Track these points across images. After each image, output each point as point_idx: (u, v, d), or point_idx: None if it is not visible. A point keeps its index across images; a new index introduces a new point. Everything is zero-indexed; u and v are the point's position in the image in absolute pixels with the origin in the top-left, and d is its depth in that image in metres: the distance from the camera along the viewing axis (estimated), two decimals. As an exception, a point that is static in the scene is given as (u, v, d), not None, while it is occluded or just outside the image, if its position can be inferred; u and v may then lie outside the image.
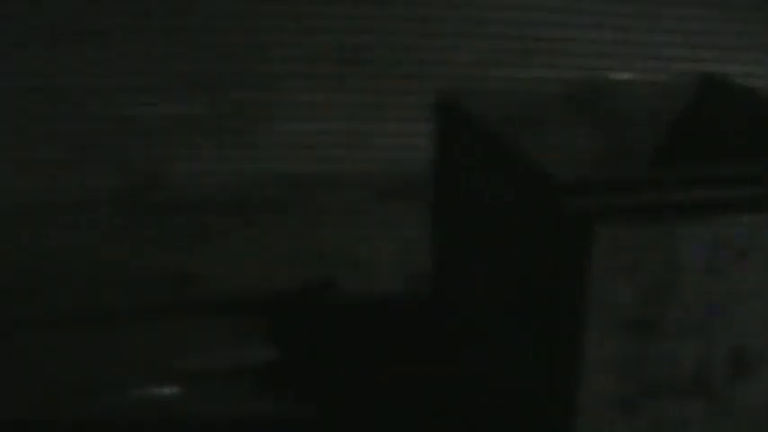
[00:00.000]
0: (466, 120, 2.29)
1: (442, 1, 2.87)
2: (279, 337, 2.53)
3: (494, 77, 2.85)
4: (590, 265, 1.86)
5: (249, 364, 2.47)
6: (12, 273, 2.52)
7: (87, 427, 2.37)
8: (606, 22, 2.99)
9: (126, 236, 2.57)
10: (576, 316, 1.90)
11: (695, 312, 1.94)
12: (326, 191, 2.74)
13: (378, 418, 2.35)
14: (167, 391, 2.42)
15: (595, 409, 1.95)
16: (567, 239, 1.89)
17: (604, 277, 1.89)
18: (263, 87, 2.75)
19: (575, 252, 1.89)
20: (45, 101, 2.61)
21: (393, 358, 2.49)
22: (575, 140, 2.47)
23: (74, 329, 2.47)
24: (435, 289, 2.50)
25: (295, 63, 2.76)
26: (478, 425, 2.23)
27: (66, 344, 2.44)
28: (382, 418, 2.36)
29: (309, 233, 2.64)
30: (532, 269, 2.02)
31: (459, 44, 2.82)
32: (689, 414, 2.01)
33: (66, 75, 2.61)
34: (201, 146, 2.70)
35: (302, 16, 2.75)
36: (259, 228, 2.63)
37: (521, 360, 2.10)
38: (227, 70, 2.76)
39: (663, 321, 1.93)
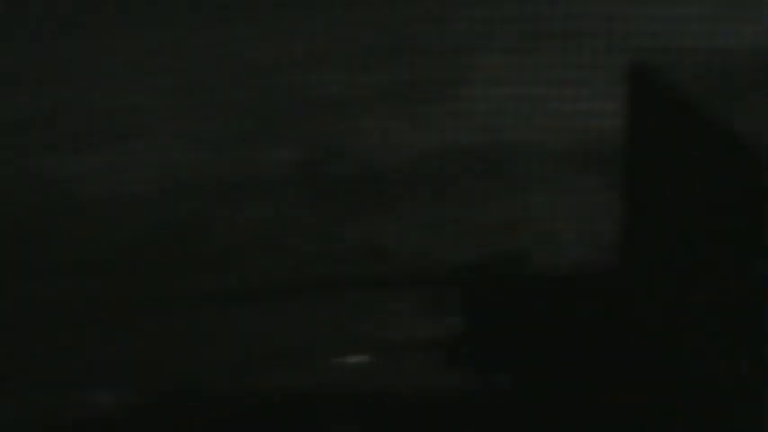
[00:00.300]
0: (660, 87, 2.23)
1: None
2: (469, 309, 2.51)
3: (688, 46, 2.76)
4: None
5: (439, 336, 2.47)
6: (201, 247, 2.57)
7: (281, 393, 2.42)
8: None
9: (312, 209, 2.59)
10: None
11: None
12: (514, 161, 2.71)
13: (571, 396, 2.32)
14: (357, 361, 2.45)
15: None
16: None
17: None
18: (450, 57, 2.72)
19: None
20: (227, 73, 2.65)
21: (582, 334, 2.45)
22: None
23: (264, 301, 2.51)
24: (624, 261, 2.45)
25: (483, 31, 2.73)
26: (677, 403, 2.17)
27: (259, 314, 2.49)
28: (575, 395, 2.32)
29: (497, 205, 2.61)
30: (736, 241, 1.95)
31: (654, 12, 2.74)
32: None
33: (247, 46, 2.64)
34: (387, 117, 2.69)
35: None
36: (446, 199, 2.62)
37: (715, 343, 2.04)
38: (412, 40, 2.75)
39: None
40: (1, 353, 2.54)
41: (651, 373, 2.26)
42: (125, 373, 2.55)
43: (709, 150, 2.05)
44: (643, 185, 2.35)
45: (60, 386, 2.56)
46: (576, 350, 2.42)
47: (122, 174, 2.58)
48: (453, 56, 2.70)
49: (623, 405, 2.24)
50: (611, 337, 2.41)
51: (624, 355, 2.33)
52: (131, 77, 2.57)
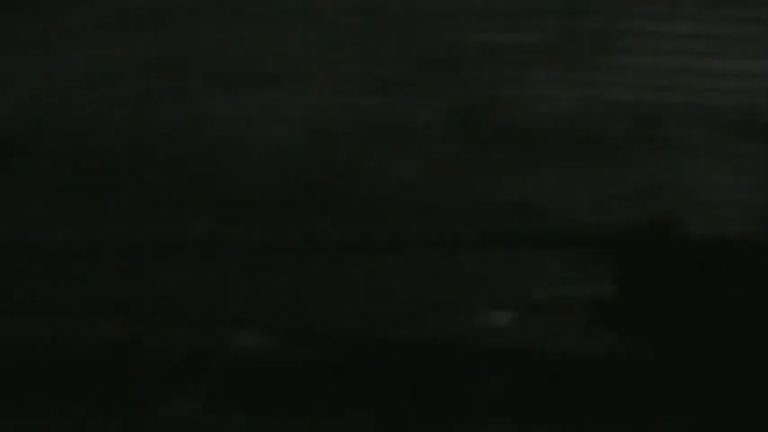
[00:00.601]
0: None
1: None
2: (617, 273, 2.48)
3: None
4: None
5: (585, 298, 2.45)
6: (347, 197, 2.57)
7: (419, 348, 2.43)
8: None
9: (461, 162, 2.56)
10: None
11: None
12: (670, 123, 2.63)
13: (716, 368, 2.28)
14: (500, 320, 2.44)
15: None
16: None
17: None
18: (607, 14, 2.65)
19: None
20: (384, 20, 2.61)
21: (733, 307, 2.40)
22: None
23: (410, 253, 2.51)
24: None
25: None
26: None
27: (404, 267, 2.49)
28: (720, 367, 2.28)
29: (651, 168, 2.54)
30: None
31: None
32: None
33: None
34: (539, 73, 2.63)
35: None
36: (597, 159, 2.57)
37: None
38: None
39: None
40: (151, 291, 2.62)
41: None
42: (269, 317, 2.60)
43: None
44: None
45: (206, 326, 2.63)
46: (725, 323, 2.38)
47: (275, 117, 2.58)
48: (615, 11, 2.62)
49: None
50: (763, 312, 2.35)
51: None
52: (287, 21, 2.55)
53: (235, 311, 2.58)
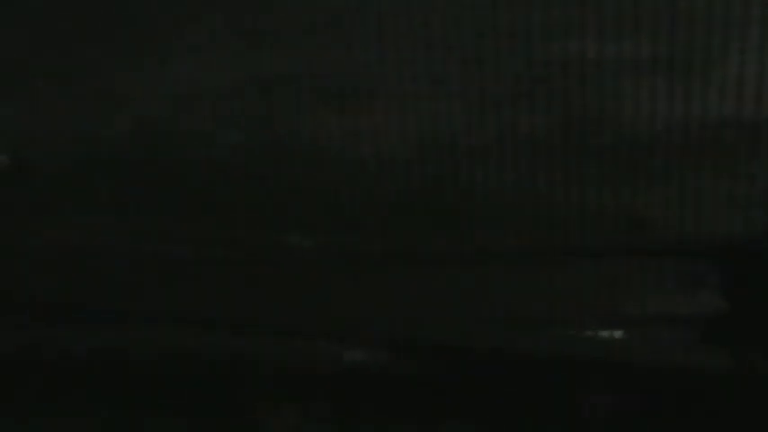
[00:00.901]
0: None
1: None
2: (729, 286, 2.43)
3: None
4: None
5: (696, 312, 2.41)
6: (455, 210, 2.59)
7: (528, 360, 2.42)
8: None
9: (569, 175, 2.56)
10: None
11: None
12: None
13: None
14: (607, 333, 2.42)
15: None
16: None
17: None
18: (714, 27, 2.63)
19: None
20: (484, 37, 2.63)
21: None
22: None
23: (515, 265, 2.51)
24: None
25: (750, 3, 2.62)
26: None
27: (508, 279, 2.49)
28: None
29: (760, 180, 2.51)
30: None
31: None
32: None
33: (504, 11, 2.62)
34: (646, 86, 2.63)
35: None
36: (708, 171, 2.54)
37: None
38: (671, 10, 2.67)
39: None
40: (261, 303, 2.65)
41: None
42: (377, 330, 2.61)
43: None
44: None
45: (314, 340, 2.65)
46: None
47: (385, 133, 2.62)
48: (718, 26, 2.60)
49: None
50: None
51: None
52: (388, 37, 2.59)
53: (342, 325, 2.60)
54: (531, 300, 2.47)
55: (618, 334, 2.39)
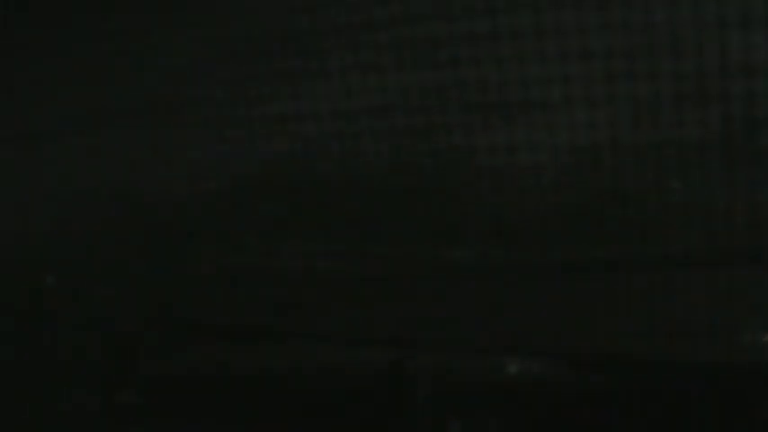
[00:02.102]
0: None
1: None
2: None
3: None
4: None
5: None
6: (618, 215, 2.54)
7: (705, 368, 2.35)
8: None
9: (736, 178, 2.47)
10: None
11: None
12: None
13: None
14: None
15: None
16: None
17: None
18: None
19: None
20: (642, 37, 2.57)
21: None
22: None
23: (683, 272, 2.44)
24: None
25: None
26: None
27: (674, 286, 2.42)
28: None
29: None
30: None
31: None
32: None
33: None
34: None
35: None
36: None
37: None
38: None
39: None
40: (413, 317, 2.66)
41: None
42: (539, 342, 2.58)
43: None
44: None
45: (476, 354, 2.64)
46: None
47: (535, 145, 2.59)
48: None
49: None
50: None
51: None
52: (544, 46, 2.56)
53: (504, 337, 2.58)
54: (690, 307, 2.39)
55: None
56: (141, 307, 2.97)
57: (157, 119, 2.81)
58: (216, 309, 2.90)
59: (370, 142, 2.66)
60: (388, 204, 2.69)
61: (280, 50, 2.64)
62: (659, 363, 2.45)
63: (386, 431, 2.63)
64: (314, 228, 2.74)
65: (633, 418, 2.46)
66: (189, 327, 2.93)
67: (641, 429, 2.44)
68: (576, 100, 2.57)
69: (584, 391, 2.51)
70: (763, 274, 2.38)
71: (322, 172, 2.71)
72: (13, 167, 3.04)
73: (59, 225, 3.04)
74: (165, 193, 2.86)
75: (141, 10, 2.78)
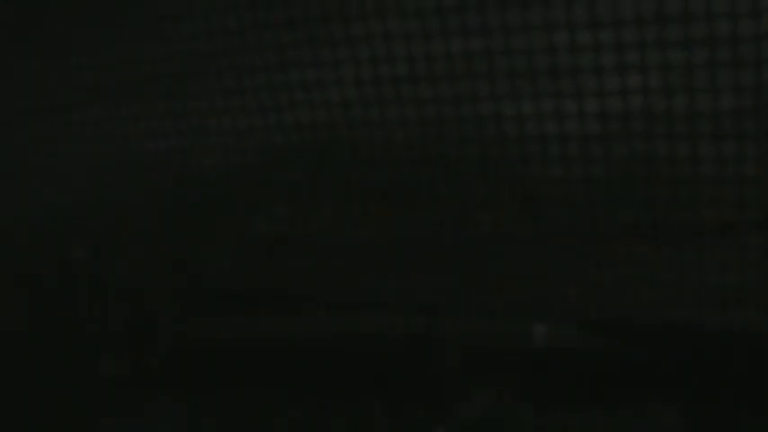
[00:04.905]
0: None
1: None
2: None
3: None
4: None
5: None
6: (651, 182, 2.53)
7: (737, 336, 2.36)
8: None
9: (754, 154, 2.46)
10: None
11: None
12: None
13: None
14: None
15: None
16: None
17: None
18: None
19: None
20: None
21: None
22: None
23: (708, 239, 2.44)
24: None
25: None
26: None
27: (705, 253, 2.43)
28: None
29: None
30: None
31: None
32: None
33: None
34: None
35: None
36: None
37: None
38: None
39: None
40: (441, 284, 2.67)
41: None
42: (564, 309, 2.60)
43: None
44: None
45: (503, 320, 2.65)
46: None
47: (571, 111, 2.58)
48: None
49: None
50: None
51: None
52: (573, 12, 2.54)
53: (532, 304, 2.60)
54: (729, 275, 2.39)
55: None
56: (169, 278, 3.00)
57: (181, 88, 2.82)
58: (244, 278, 2.93)
59: (403, 112, 2.65)
60: (415, 175, 2.70)
61: (302, 17, 2.63)
62: (686, 331, 2.46)
63: (413, 398, 2.66)
64: (341, 196, 2.75)
65: (661, 387, 2.47)
66: (217, 297, 2.95)
67: (669, 397, 2.45)
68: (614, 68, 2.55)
69: (610, 359, 2.53)
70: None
71: (348, 140, 2.72)
72: (42, 139, 3.06)
73: (85, 197, 3.06)
74: (191, 163, 2.88)
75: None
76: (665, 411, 2.45)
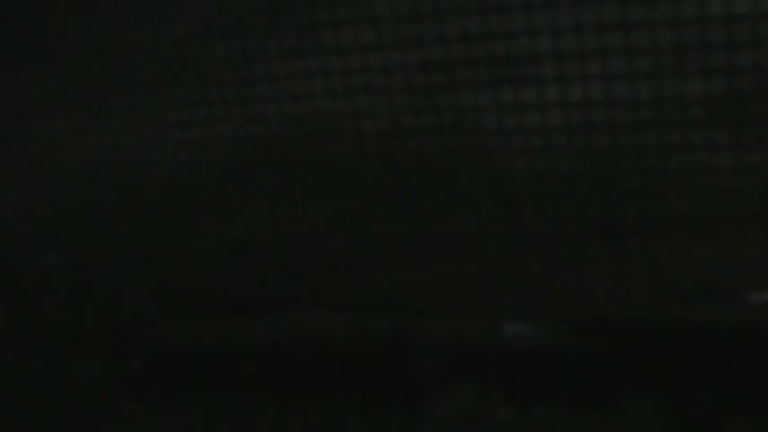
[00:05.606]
0: None
1: None
2: None
3: None
4: None
5: None
6: (602, 184, 2.52)
7: (703, 328, 2.34)
8: None
9: (725, 143, 2.45)
10: None
11: None
12: None
13: None
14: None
15: None
16: None
17: None
18: None
19: None
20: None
21: None
22: None
23: (674, 236, 2.43)
24: None
25: None
26: None
27: (667, 249, 2.42)
28: None
29: None
30: None
31: None
32: None
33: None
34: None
35: None
36: None
37: None
38: None
39: None
40: (416, 284, 2.65)
41: None
42: (539, 308, 2.58)
43: None
44: None
45: (472, 318, 2.63)
46: None
47: (541, 109, 2.56)
48: None
49: None
50: None
51: None
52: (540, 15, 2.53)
53: (507, 303, 2.58)
54: (688, 269, 2.38)
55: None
56: (144, 279, 2.98)
57: (154, 89, 2.81)
58: (219, 280, 2.91)
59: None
60: (389, 177, 2.67)
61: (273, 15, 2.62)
62: (661, 326, 2.45)
63: (392, 399, 2.63)
64: (314, 196, 2.73)
65: (639, 385, 2.45)
66: (191, 298, 2.93)
67: (646, 395, 2.44)
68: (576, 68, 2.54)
69: (586, 356, 2.51)
70: (756, 237, 2.37)
71: (321, 142, 2.70)
72: (17, 141, 3.05)
73: (60, 200, 3.05)
74: (165, 164, 2.87)
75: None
76: (643, 409, 2.43)
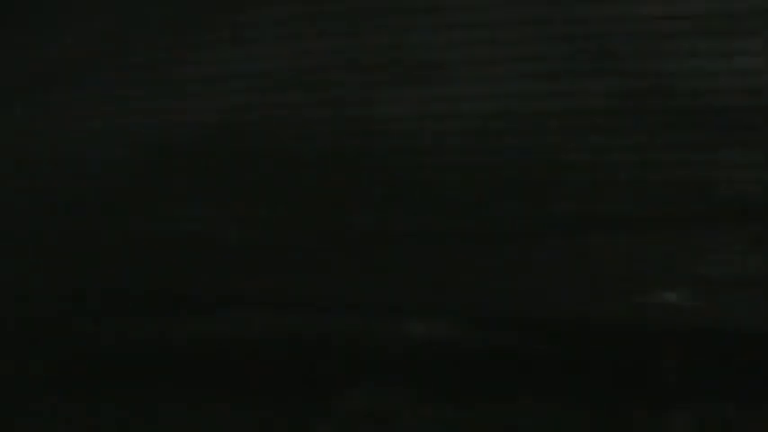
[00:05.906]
0: None
1: None
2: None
3: None
4: None
5: (759, 275, 2.35)
6: (521, 183, 2.57)
7: (600, 326, 2.39)
8: None
9: (635, 141, 2.52)
10: None
11: None
12: None
13: None
14: (675, 297, 2.37)
15: None
16: None
17: None
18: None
19: None
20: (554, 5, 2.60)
21: None
22: None
23: (583, 234, 2.48)
24: None
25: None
26: None
27: (577, 248, 2.47)
28: None
29: None
30: None
31: None
32: None
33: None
34: (706, 50, 2.56)
35: None
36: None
37: None
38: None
39: None
40: (319, 282, 2.67)
41: None
42: (444, 304, 2.61)
43: None
44: None
45: (383, 316, 2.67)
46: None
47: (454, 108, 2.60)
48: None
49: None
50: None
51: None
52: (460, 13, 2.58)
53: (412, 300, 2.61)
54: (600, 269, 2.43)
55: (680, 298, 2.35)
56: (57, 280, 2.97)
57: (70, 86, 2.81)
58: (129, 278, 2.91)
59: (296, 111, 2.65)
60: (305, 173, 2.69)
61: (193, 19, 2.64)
62: (570, 324, 2.49)
63: (295, 396, 2.65)
64: (221, 195, 2.75)
65: (544, 381, 2.50)
66: (104, 298, 2.93)
67: (552, 392, 2.48)
68: (495, 65, 2.58)
69: (495, 353, 2.55)
70: (666, 237, 2.43)
71: (244, 141, 2.72)
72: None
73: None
74: (79, 161, 2.86)
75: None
76: (563, 408, 2.47)
